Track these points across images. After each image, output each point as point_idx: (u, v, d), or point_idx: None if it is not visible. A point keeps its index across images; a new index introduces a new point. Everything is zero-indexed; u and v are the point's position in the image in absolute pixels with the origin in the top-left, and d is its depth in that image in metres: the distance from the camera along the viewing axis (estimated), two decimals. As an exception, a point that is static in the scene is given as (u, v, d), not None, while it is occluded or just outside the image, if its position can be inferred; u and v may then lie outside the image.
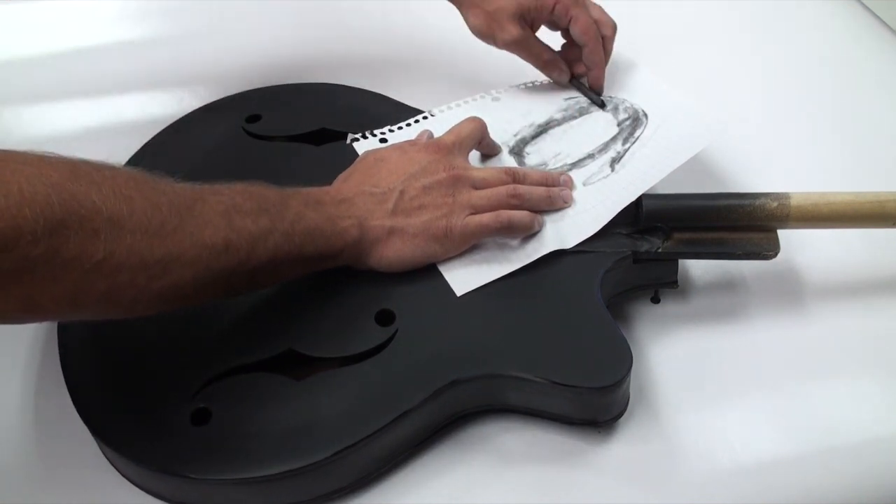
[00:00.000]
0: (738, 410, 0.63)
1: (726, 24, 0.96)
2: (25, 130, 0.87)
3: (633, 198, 0.68)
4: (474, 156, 0.73)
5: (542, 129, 0.77)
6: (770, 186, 0.68)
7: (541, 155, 0.74)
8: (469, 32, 0.78)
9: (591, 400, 0.60)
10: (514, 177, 0.69)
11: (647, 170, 0.70)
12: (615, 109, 0.77)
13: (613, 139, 0.74)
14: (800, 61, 0.92)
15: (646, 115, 0.75)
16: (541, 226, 0.67)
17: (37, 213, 0.45)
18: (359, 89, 0.82)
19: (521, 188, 0.67)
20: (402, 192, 0.65)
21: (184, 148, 0.76)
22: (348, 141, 0.76)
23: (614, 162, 0.72)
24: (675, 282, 0.68)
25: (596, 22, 0.76)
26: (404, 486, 0.59)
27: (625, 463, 0.60)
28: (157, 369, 0.61)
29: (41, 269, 0.46)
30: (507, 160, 0.74)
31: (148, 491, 0.59)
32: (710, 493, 0.59)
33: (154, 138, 0.77)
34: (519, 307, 0.63)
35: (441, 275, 0.65)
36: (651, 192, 0.68)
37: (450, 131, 0.70)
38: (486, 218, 0.65)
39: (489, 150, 0.74)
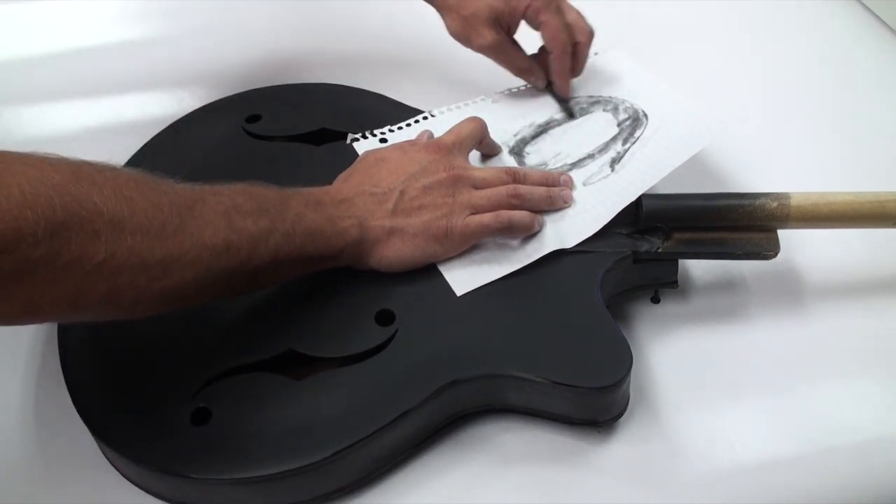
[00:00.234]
0: (738, 410, 0.63)
1: (726, 24, 0.96)
2: (25, 130, 0.87)
3: (633, 198, 0.68)
4: (474, 156, 0.73)
5: (542, 129, 0.77)
6: (770, 186, 0.68)
7: (541, 155, 0.74)
8: (449, 35, 0.78)
9: (591, 400, 0.60)
10: (514, 177, 0.69)
11: (647, 170, 0.70)
12: (615, 109, 0.77)
13: (613, 139, 0.74)
14: (800, 61, 0.92)
15: (646, 115, 0.75)
16: (541, 226, 0.67)
17: (38, 215, 0.45)
18: (359, 89, 0.82)
19: (522, 188, 0.67)
20: (402, 192, 0.65)
21: (184, 148, 0.76)
22: (348, 141, 0.76)
23: (614, 162, 0.72)
24: (675, 282, 0.68)
25: (570, 27, 0.75)
26: (404, 486, 0.59)
27: (625, 463, 0.60)
28: (157, 369, 0.61)
29: (42, 270, 0.46)
30: (507, 160, 0.74)
31: (148, 491, 0.59)
32: (710, 493, 0.59)
33: (154, 138, 0.77)
34: (519, 307, 0.63)
35: (441, 275, 0.65)
36: (651, 192, 0.68)
37: (450, 131, 0.70)
38: (486, 218, 0.65)
39: (489, 150, 0.74)
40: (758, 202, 0.66)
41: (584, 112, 0.78)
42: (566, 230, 0.67)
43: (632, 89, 0.78)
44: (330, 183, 0.67)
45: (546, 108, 0.79)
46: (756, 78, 0.90)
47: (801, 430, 0.62)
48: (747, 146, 0.80)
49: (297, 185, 0.63)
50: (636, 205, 0.68)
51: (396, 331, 0.62)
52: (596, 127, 0.76)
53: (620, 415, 0.61)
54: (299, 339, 0.61)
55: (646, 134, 0.74)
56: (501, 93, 0.80)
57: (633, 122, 0.75)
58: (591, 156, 0.73)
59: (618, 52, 0.82)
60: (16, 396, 0.64)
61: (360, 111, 0.79)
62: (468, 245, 0.66)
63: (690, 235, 0.67)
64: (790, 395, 0.64)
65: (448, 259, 0.66)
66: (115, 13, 1.00)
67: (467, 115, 0.73)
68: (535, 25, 0.76)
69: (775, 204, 0.66)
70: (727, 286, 0.70)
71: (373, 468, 0.59)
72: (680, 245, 0.67)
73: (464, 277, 0.65)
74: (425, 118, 0.78)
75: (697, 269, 0.71)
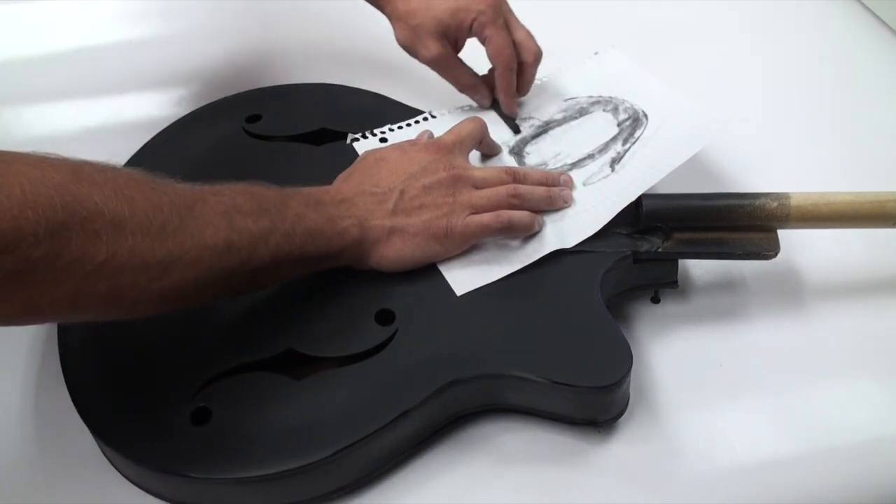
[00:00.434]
0: (738, 410, 0.63)
1: (726, 24, 0.96)
2: (25, 130, 0.87)
3: (633, 198, 0.68)
4: (474, 156, 0.73)
5: (542, 129, 0.77)
6: (770, 186, 0.68)
7: (541, 155, 0.74)
8: (397, 44, 0.78)
9: (591, 399, 0.60)
10: (514, 176, 0.69)
11: (647, 170, 0.70)
12: (615, 110, 0.77)
13: (613, 139, 0.74)
14: (800, 61, 0.92)
15: (646, 115, 0.75)
16: (541, 226, 0.67)
17: (39, 215, 0.45)
18: (359, 89, 0.82)
19: (522, 188, 0.67)
20: (402, 192, 0.65)
21: (184, 148, 0.76)
22: (348, 141, 0.76)
23: (614, 162, 0.72)
24: (675, 282, 0.68)
25: (517, 45, 0.75)
26: (404, 486, 0.59)
27: (625, 463, 0.60)
28: (157, 369, 0.61)
29: (42, 270, 0.46)
30: (507, 160, 0.74)
31: (148, 491, 0.59)
32: (710, 493, 0.59)
33: (154, 138, 0.77)
34: (519, 307, 0.63)
35: (441, 275, 0.65)
36: (651, 192, 0.68)
37: (450, 131, 0.70)
38: (486, 218, 0.65)
39: (489, 150, 0.74)
40: (758, 202, 0.66)
41: (585, 112, 0.78)
42: (566, 230, 0.67)
43: (632, 89, 0.78)
44: (330, 183, 0.67)
45: (546, 107, 0.79)
46: (756, 78, 0.90)
47: (801, 430, 0.62)
48: (747, 146, 0.80)
49: (297, 185, 0.63)
50: (636, 205, 0.68)
51: (396, 330, 0.62)
52: (596, 127, 0.76)
53: (620, 415, 0.61)
54: (299, 338, 0.61)
55: (646, 134, 0.74)
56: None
57: (633, 122, 0.75)
58: (591, 156, 0.73)
59: (617, 52, 0.82)
60: (16, 396, 0.64)
61: (360, 111, 0.79)
62: (468, 245, 0.66)
63: (690, 235, 0.67)
64: (790, 395, 0.64)
65: (448, 259, 0.66)
66: (115, 13, 1.00)
67: (467, 116, 0.73)
68: (481, 40, 0.75)
69: (775, 204, 0.66)
70: (727, 286, 0.71)
71: (373, 468, 0.59)
72: (680, 245, 0.67)
73: (464, 277, 0.65)
74: (425, 118, 0.78)
75: (697, 269, 0.71)
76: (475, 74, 0.78)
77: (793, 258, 0.71)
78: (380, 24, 0.79)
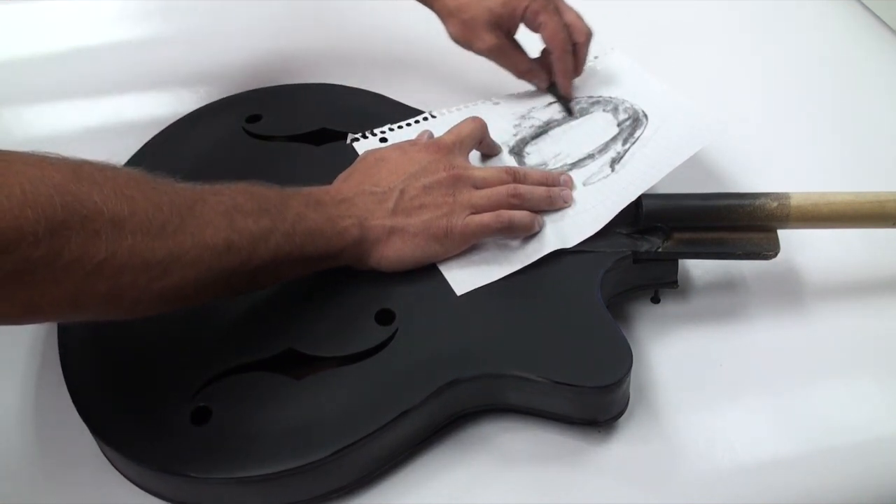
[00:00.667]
0: (738, 410, 0.63)
1: (726, 24, 0.96)
2: (25, 130, 0.87)
3: (633, 198, 0.68)
4: (474, 156, 0.73)
5: (542, 130, 0.77)
6: (770, 186, 0.68)
7: (541, 155, 0.74)
8: (451, 40, 0.78)
9: (591, 399, 0.60)
10: (514, 176, 0.69)
11: (647, 170, 0.70)
12: (615, 110, 0.77)
13: (613, 139, 0.74)
14: (800, 61, 0.92)
15: (646, 115, 0.75)
16: (541, 226, 0.67)
17: (38, 215, 0.45)
18: (359, 89, 0.82)
19: (522, 188, 0.67)
20: (402, 192, 0.65)
21: (184, 148, 0.76)
22: (348, 141, 0.76)
23: (614, 162, 0.72)
24: (675, 282, 0.68)
25: (568, 27, 0.76)
26: (404, 486, 0.59)
27: (625, 463, 0.60)
28: (157, 369, 0.61)
29: (42, 270, 0.46)
30: (507, 160, 0.74)
31: (148, 490, 0.59)
32: (710, 493, 0.59)
33: (154, 138, 0.77)
34: (519, 307, 0.63)
35: (441, 274, 0.65)
36: (651, 192, 0.68)
37: (450, 131, 0.70)
38: (486, 218, 0.65)
39: (489, 150, 0.74)
40: (758, 202, 0.66)
41: (585, 112, 0.78)
42: (566, 230, 0.67)
43: (632, 89, 0.78)
44: (330, 183, 0.67)
45: (546, 108, 0.79)
46: (756, 78, 0.90)
47: (801, 430, 0.62)
48: (747, 146, 0.80)
49: (297, 185, 0.63)
50: (636, 205, 0.68)
51: (396, 330, 0.62)
52: (596, 127, 0.76)
53: (620, 415, 0.61)
54: (299, 338, 0.61)
55: (646, 134, 0.74)
56: (503, 97, 0.81)
57: (633, 123, 0.75)
58: (591, 156, 0.73)
59: (617, 52, 0.82)
60: (16, 396, 0.64)
61: (360, 111, 0.79)
62: (468, 245, 0.66)
63: (690, 235, 0.67)
64: (790, 395, 0.64)
65: (448, 259, 0.66)
66: (115, 13, 1.00)
67: (467, 116, 0.73)
68: (533, 27, 0.76)
69: (775, 204, 0.66)
70: (727, 286, 0.71)
71: (373, 468, 0.59)
72: (680, 245, 0.67)
73: (464, 277, 0.65)
74: (425, 118, 0.78)
75: (697, 269, 0.71)
76: (531, 59, 0.79)
77: (793, 258, 0.71)
78: (380, 24, 0.79)
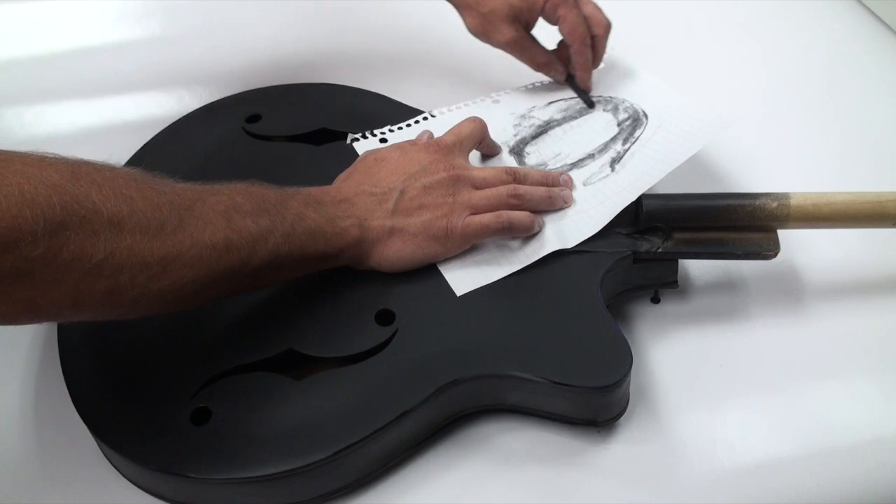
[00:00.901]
0: (738, 410, 0.63)
1: (726, 24, 0.96)
2: (25, 130, 0.87)
3: (633, 198, 0.68)
4: (474, 156, 0.73)
5: (542, 129, 0.77)
6: (770, 186, 0.68)
7: (541, 155, 0.74)
8: (468, 32, 0.78)
9: (591, 400, 0.60)
10: (514, 176, 0.69)
11: (648, 170, 0.70)
12: (615, 109, 0.77)
13: (613, 139, 0.74)
14: (800, 61, 0.92)
15: (646, 115, 0.75)
16: (541, 227, 0.67)
17: (37, 214, 0.45)
18: (359, 89, 0.82)
19: (522, 188, 0.67)
20: (402, 192, 0.65)
21: (184, 148, 0.76)
22: (348, 141, 0.76)
23: (614, 162, 0.72)
24: (675, 282, 0.68)
25: (587, 19, 0.76)
26: (404, 485, 0.59)
27: (625, 463, 0.60)
28: (157, 369, 0.61)
29: (41, 270, 0.46)
30: (507, 160, 0.74)
31: (148, 491, 0.59)
32: (711, 493, 0.59)
33: (154, 138, 0.77)
34: (519, 307, 0.63)
35: (441, 275, 0.65)
36: (651, 192, 0.68)
37: (450, 131, 0.70)
38: (486, 218, 0.65)
39: (489, 150, 0.74)
40: (758, 202, 0.66)
41: (584, 112, 0.78)
42: (566, 230, 0.67)
43: (631, 89, 0.78)
44: (330, 183, 0.67)
45: (546, 108, 0.79)
46: (756, 78, 0.90)
47: (801, 430, 0.62)
48: (747, 146, 0.80)
49: (297, 185, 0.63)
50: (636, 205, 0.68)
51: (396, 330, 0.62)
52: (596, 127, 0.76)
53: (620, 415, 0.61)
54: (299, 339, 0.61)
55: (646, 134, 0.74)
56: (502, 93, 0.80)
57: (633, 122, 0.75)
58: (591, 156, 0.73)
59: (617, 52, 0.82)
60: (16, 396, 0.64)
61: (360, 111, 0.79)
62: (468, 245, 0.66)
63: (690, 235, 0.67)
64: (790, 395, 0.64)
65: (448, 259, 0.66)
66: (115, 13, 1.00)
67: (467, 116, 0.73)
68: (553, 20, 0.76)
69: (775, 204, 0.66)
70: (727, 286, 0.70)
71: (373, 468, 0.59)
72: (680, 245, 0.67)
73: (464, 277, 0.65)
74: (425, 118, 0.78)
75: (697, 269, 0.71)
76: (549, 52, 0.79)
77: (793, 258, 0.71)
78: (380, 24, 0.79)
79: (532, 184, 0.69)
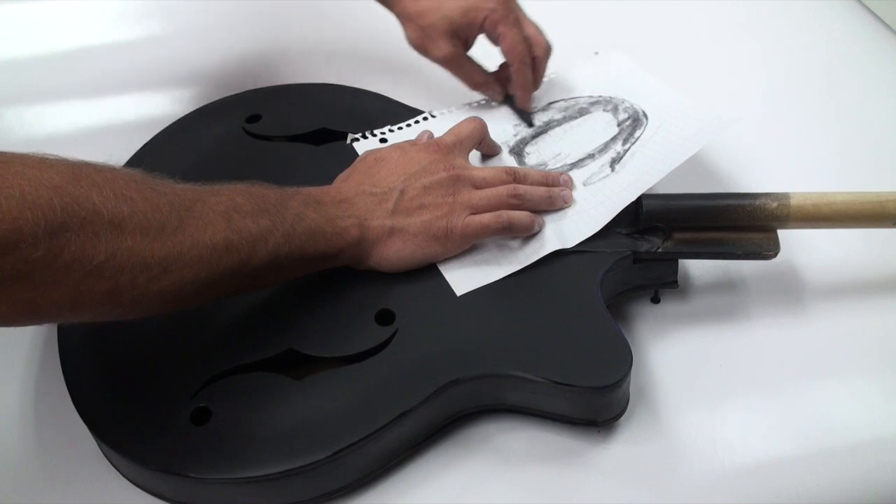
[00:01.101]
0: (738, 410, 0.63)
1: (726, 24, 0.96)
2: (26, 130, 0.87)
3: (633, 198, 0.68)
4: (474, 156, 0.73)
5: (542, 130, 0.77)
6: (770, 186, 0.68)
7: (541, 155, 0.74)
8: (409, 45, 0.78)
9: (591, 400, 0.60)
10: (514, 176, 0.69)
11: (648, 170, 0.70)
12: (615, 110, 0.77)
13: (613, 139, 0.74)
14: (800, 61, 0.92)
15: (646, 115, 0.75)
16: (541, 227, 0.67)
17: (38, 216, 0.45)
18: (359, 89, 0.82)
19: (522, 188, 0.67)
20: (402, 192, 0.65)
21: (184, 148, 0.76)
22: (348, 141, 0.76)
23: (614, 162, 0.72)
24: (675, 282, 0.68)
25: (528, 40, 0.75)
26: (404, 485, 0.59)
27: (625, 463, 0.60)
28: (157, 369, 0.61)
29: (42, 271, 0.46)
30: (507, 160, 0.74)
31: (148, 491, 0.59)
32: (711, 493, 0.59)
33: (154, 138, 0.77)
34: (519, 307, 0.63)
35: (441, 275, 0.65)
36: (651, 192, 0.68)
37: (450, 131, 0.70)
38: (486, 218, 0.65)
39: (489, 150, 0.74)
40: (758, 202, 0.66)
41: (585, 112, 0.78)
42: (566, 230, 0.67)
43: (632, 89, 0.78)
44: (330, 183, 0.67)
45: (546, 108, 0.79)
46: (756, 78, 0.90)
47: (801, 430, 0.62)
48: (747, 146, 0.80)
49: (297, 185, 0.63)
50: (636, 205, 0.68)
51: (396, 330, 0.62)
52: (596, 127, 0.76)
53: (620, 415, 0.61)
54: (299, 339, 0.61)
55: (646, 134, 0.74)
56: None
57: (633, 122, 0.75)
58: (591, 156, 0.73)
59: (617, 52, 0.82)
60: (16, 396, 0.64)
61: (360, 111, 0.79)
62: (468, 245, 0.66)
63: (690, 235, 0.67)
64: (790, 395, 0.64)
65: (448, 259, 0.66)
66: (115, 13, 1.00)
67: (467, 116, 0.73)
68: (493, 38, 0.76)
69: (775, 204, 0.66)
70: (727, 286, 0.70)
71: (373, 468, 0.59)
72: (680, 245, 0.67)
73: (464, 277, 0.65)
74: (425, 118, 0.78)
75: (697, 269, 0.71)
76: (486, 72, 0.79)
77: (793, 258, 0.71)
78: (379, 24, 0.79)
79: (532, 184, 0.69)
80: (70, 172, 0.48)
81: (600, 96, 0.79)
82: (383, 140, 0.76)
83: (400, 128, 0.77)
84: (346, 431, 0.57)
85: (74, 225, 0.47)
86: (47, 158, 0.48)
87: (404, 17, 0.77)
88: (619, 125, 0.75)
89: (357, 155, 0.73)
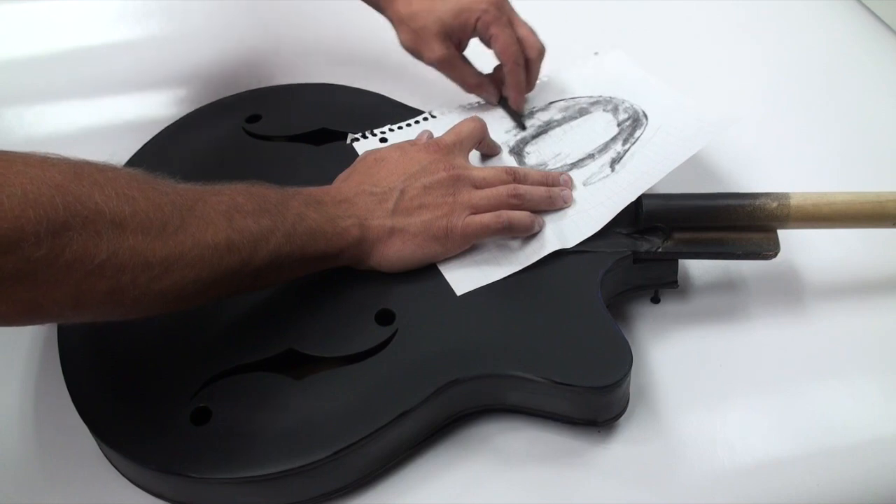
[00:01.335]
0: (738, 410, 0.63)
1: (726, 24, 0.96)
2: (26, 130, 0.87)
3: (633, 198, 0.68)
4: (474, 156, 0.73)
5: (542, 130, 0.77)
6: (770, 186, 0.68)
7: (541, 155, 0.74)
8: (401, 47, 0.78)
9: (591, 400, 0.60)
10: (514, 176, 0.69)
11: (648, 170, 0.70)
12: (615, 110, 0.77)
13: (613, 139, 0.74)
14: (800, 61, 0.92)
15: (646, 115, 0.75)
16: (541, 227, 0.67)
17: (40, 215, 0.45)
18: (359, 89, 0.82)
19: (522, 188, 0.67)
20: (402, 192, 0.65)
21: (184, 148, 0.76)
22: (348, 141, 0.76)
23: (614, 162, 0.72)
24: (675, 282, 0.68)
25: (521, 41, 0.75)
26: (404, 485, 0.59)
27: (625, 463, 0.60)
28: (157, 369, 0.61)
29: (44, 270, 0.46)
30: (507, 160, 0.74)
31: (148, 491, 0.59)
32: (711, 493, 0.59)
33: (154, 138, 0.77)
34: (519, 307, 0.63)
35: (441, 275, 0.65)
36: (651, 192, 0.68)
37: (450, 131, 0.70)
38: (486, 218, 0.65)
39: (489, 150, 0.74)
40: (758, 202, 0.66)
41: (585, 112, 0.78)
42: (566, 230, 0.67)
43: (632, 89, 0.78)
44: (330, 183, 0.67)
45: (547, 108, 0.79)
46: (756, 78, 0.90)
47: (801, 430, 0.62)
48: (747, 146, 0.80)
49: (297, 185, 0.63)
50: (636, 205, 0.68)
51: (396, 330, 0.62)
52: (596, 127, 0.76)
53: (620, 415, 0.61)
54: (299, 338, 0.61)
55: (646, 134, 0.74)
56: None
57: (633, 122, 0.75)
58: (591, 156, 0.73)
59: (617, 52, 0.82)
60: (16, 396, 0.64)
61: (360, 111, 0.79)
62: (468, 245, 0.66)
63: (690, 235, 0.67)
64: (790, 395, 0.64)
65: (448, 259, 0.66)
66: (115, 13, 1.00)
67: (467, 116, 0.73)
68: (485, 39, 0.76)
69: (775, 204, 0.66)
70: (727, 286, 0.71)
71: (373, 468, 0.59)
72: (680, 245, 0.67)
73: (464, 277, 0.65)
74: (425, 118, 0.78)
75: (697, 269, 0.71)
76: (480, 73, 0.79)
77: (793, 258, 0.71)
78: (379, 25, 0.79)
79: (532, 184, 0.69)
80: (72, 171, 0.48)
81: (600, 96, 0.79)
82: (383, 140, 0.76)
83: (400, 128, 0.77)
84: (346, 431, 0.57)
85: (76, 224, 0.47)
86: (49, 157, 0.48)
87: (396, 20, 0.77)
88: (619, 125, 0.75)
89: (357, 155, 0.73)
